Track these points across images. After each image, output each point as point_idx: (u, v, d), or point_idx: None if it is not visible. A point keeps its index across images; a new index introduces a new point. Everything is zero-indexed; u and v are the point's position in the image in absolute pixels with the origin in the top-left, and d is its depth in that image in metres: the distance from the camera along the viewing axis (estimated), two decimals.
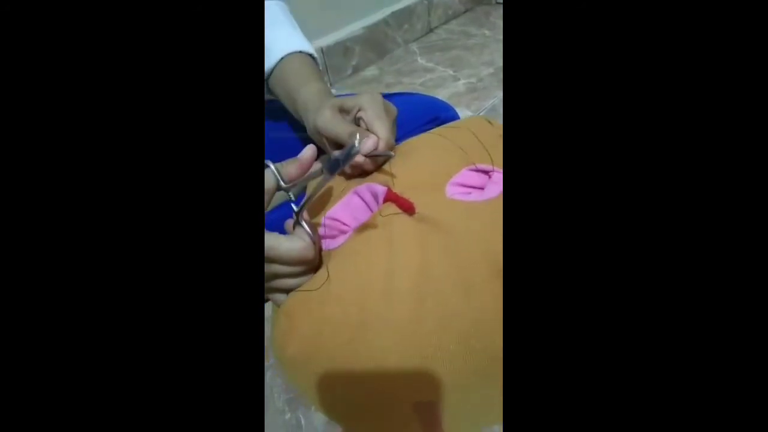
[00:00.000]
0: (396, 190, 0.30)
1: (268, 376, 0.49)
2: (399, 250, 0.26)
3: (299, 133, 0.53)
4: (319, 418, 0.45)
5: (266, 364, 0.49)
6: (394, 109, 0.40)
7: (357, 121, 0.38)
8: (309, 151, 0.34)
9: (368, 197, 0.32)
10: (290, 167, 0.32)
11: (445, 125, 0.41)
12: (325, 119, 0.38)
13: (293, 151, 0.49)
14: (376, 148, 0.35)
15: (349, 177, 0.37)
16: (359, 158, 0.35)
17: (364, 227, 0.29)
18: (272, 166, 0.31)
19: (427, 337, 0.23)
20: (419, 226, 0.27)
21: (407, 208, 0.27)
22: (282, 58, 0.46)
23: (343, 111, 0.39)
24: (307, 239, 0.29)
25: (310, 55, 0.48)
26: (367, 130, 0.37)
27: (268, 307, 0.54)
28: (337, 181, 0.37)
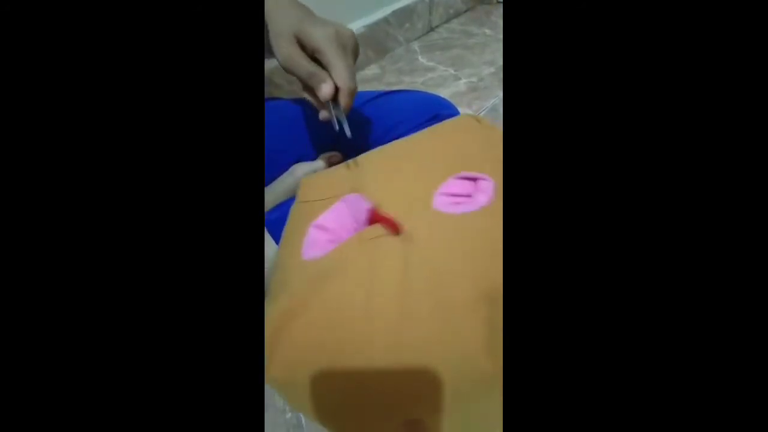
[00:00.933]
0: (383, 203, 0.29)
1: None
2: (380, 271, 0.25)
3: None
4: None
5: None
6: (351, 41, 0.38)
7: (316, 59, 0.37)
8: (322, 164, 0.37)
9: (354, 206, 0.31)
10: None
11: (431, 127, 0.40)
12: (285, 56, 0.36)
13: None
14: (335, 93, 0.35)
15: (341, 181, 0.35)
16: (323, 97, 0.35)
17: (345, 247, 0.28)
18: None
19: (408, 359, 0.23)
20: (403, 245, 0.26)
21: (393, 229, 0.27)
22: None
23: (301, 45, 0.37)
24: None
25: None
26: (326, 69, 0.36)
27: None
28: (332, 182, 0.35)
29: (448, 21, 1.35)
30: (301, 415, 0.45)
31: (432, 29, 1.30)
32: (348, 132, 0.37)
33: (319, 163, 0.48)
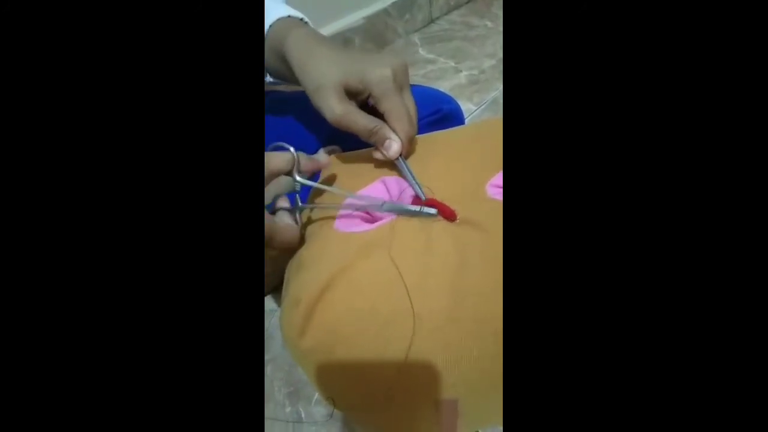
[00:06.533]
0: (436, 191, 0.30)
1: (269, 369, 0.49)
2: (437, 249, 0.26)
3: (307, 123, 0.52)
4: (320, 411, 0.45)
5: (266, 357, 0.49)
6: (407, 74, 0.34)
7: (370, 108, 0.34)
8: (325, 157, 0.33)
9: (395, 190, 0.32)
10: (305, 161, 0.31)
11: (479, 122, 0.40)
12: (337, 115, 0.33)
13: (307, 140, 0.47)
14: (402, 152, 0.33)
15: (379, 163, 0.35)
16: (393, 152, 0.33)
17: (397, 224, 0.28)
18: (292, 150, 0.31)
19: (462, 336, 0.23)
20: (459, 228, 0.27)
21: (449, 216, 0.27)
22: (271, 26, 0.39)
23: (349, 93, 0.34)
24: (295, 230, 0.30)
25: (302, 21, 0.42)
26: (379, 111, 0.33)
27: (268, 301, 0.54)
28: (366, 165, 0.36)
29: (448, 12, 1.34)
30: (301, 409, 0.45)
31: (432, 21, 1.29)
32: (420, 192, 0.31)
33: (320, 156, 0.48)
